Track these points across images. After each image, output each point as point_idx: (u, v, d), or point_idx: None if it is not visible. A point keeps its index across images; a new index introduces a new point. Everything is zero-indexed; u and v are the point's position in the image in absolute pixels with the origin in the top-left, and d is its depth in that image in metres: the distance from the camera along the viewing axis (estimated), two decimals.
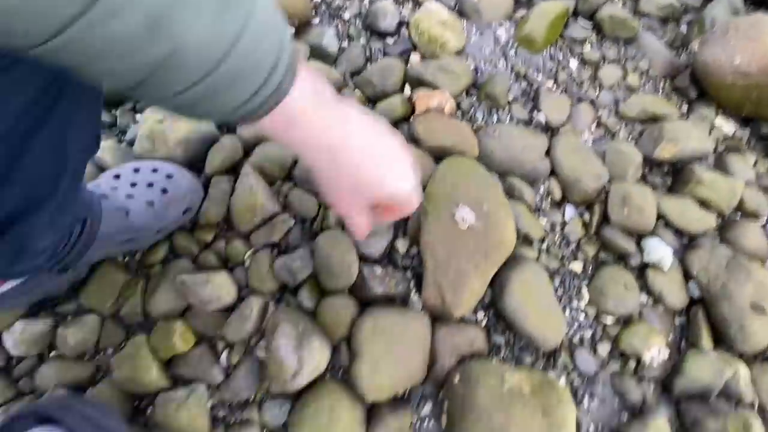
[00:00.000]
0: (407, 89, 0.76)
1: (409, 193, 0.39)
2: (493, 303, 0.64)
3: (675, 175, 0.75)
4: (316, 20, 0.83)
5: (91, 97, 0.36)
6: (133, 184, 0.59)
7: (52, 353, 0.59)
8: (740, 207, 0.73)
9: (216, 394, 0.57)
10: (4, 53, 0.26)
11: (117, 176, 0.60)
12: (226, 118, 0.29)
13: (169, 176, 0.61)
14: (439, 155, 0.68)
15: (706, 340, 0.63)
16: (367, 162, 0.35)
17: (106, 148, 0.65)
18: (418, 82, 0.75)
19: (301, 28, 0.80)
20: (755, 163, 0.78)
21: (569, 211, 0.72)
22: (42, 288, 0.53)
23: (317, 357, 0.55)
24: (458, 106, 0.76)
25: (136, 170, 0.61)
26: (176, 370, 0.57)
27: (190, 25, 0.21)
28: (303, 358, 0.54)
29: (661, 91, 0.84)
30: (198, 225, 0.64)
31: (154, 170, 0.61)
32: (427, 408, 0.59)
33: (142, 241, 0.60)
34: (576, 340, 0.64)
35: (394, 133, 0.38)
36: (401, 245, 0.65)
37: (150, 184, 0.59)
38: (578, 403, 0.60)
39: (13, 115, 0.30)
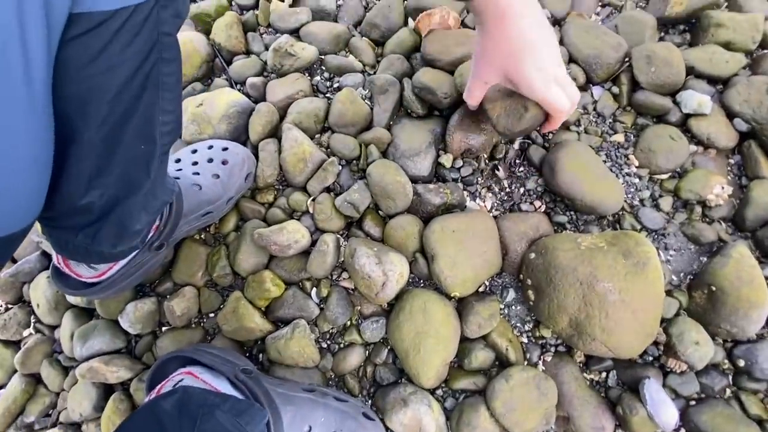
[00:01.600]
0: (411, 22, 0.79)
1: (544, 97, 0.48)
2: (547, 189, 0.66)
3: (693, 30, 0.75)
4: None
5: (174, 81, 0.39)
6: (195, 163, 0.64)
7: (164, 328, 0.65)
8: (765, 41, 0.72)
9: (315, 328, 0.62)
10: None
11: (178, 160, 0.65)
12: None
13: (224, 149, 0.65)
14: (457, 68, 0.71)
15: (765, 166, 0.63)
16: (525, 51, 0.44)
17: None
18: (419, 12, 0.78)
19: None
20: None
21: (596, 90, 0.73)
22: (145, 267, 0.59)
23: (399, 267, 0.58)
24: (463, 23, 0.78)
25: (194, 151, 0.66)
26: (276, 314, 0.62)
27: None
28: (387, 269, 0.57)
29: None
30: (257, 189, 0.69)
31: (210, 147, 0.66)
32: (510, 295, 0.62)
33: (216, 212, 0.64)
34: (636, 202, 0.65)
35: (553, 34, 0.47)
36: (446, 160, 0.68)
37: (210, 160, 0.64)
38: None
39: (108, 100, 0.33)
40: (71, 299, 0.66)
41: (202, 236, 0.69)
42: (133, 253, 0.55)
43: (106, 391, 0.62)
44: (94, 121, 0.34)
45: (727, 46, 0.71)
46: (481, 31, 0.49)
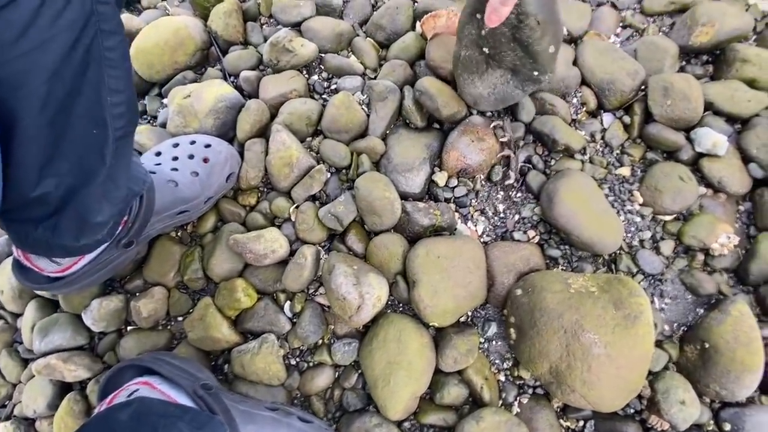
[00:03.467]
0: (418, 27, 0.75)
1: None
2: (542, 219, 0.62)
3: (716, 63, 0.70)
4: None
5: (118, 56, 0.37)
6: (175, 158, 0.61)
7: (129, 328, 0.62)
8: None
9: (285, 344, 0.59)
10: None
11: (158, 153, 0.62)
12: None
13: (207, 146, 0.62)
14: None
15: None
16: None
17: (142, 132, 0.67)
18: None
19: None
20: None
21: (607, 117, 0.69)
22: (112, 264, 0.56)
23: (377, 290, 0.55)
24: None
25: (175, 145, 0.63)
26: (245, 325, 0.59)
27: None
28: (363, 292, 0.54)
29: None
30: (240, 190, 0.66)
31: (192, 142, 0.63)
32: (492, 329, 0.59)
33: (193, 211, 0.61)
34: (635, 242, 0.62)
35: None
36: (440, 178, 0.65)
37: (191, 156, 0.61)
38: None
39: (45, 79, 0.31)
40: (35, 290, 0.64)
41: (178, 234, 0.66)
42: (101, 249, 0.53)
43: (63, 389, 0.60)
44: (34, 103, 0.31)
45: (752, 83, 0.66)
46: None
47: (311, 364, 0.59)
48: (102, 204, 0.43)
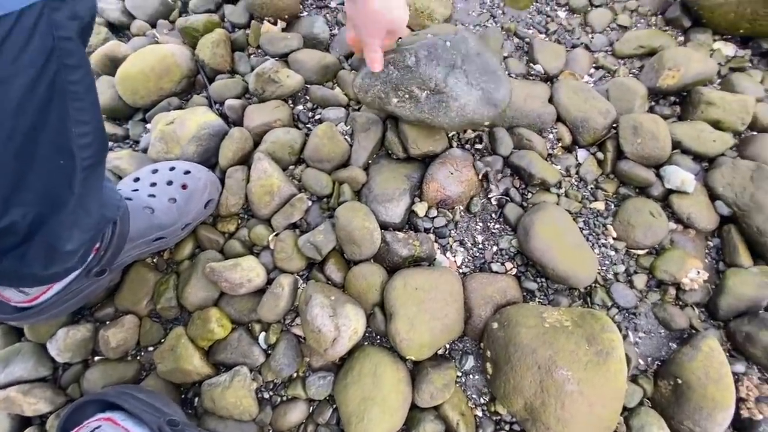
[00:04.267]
0: None
1: (404, 18, 0.55)
2: (519, 251, 0.63)
3: (683, 104, 0.74)
4: (305, 13, 0.85)
5: (83, 90, 0.37)
6: (153, 184, 0.61)
7: (96, 358, 0.60)
8: (754, 123, 0.71)
9: (259, 377, 0.58)
10: None
11: (136, 179, 0.62)
12: None
13: (186, 172, 0.62)
14: None
15: (744, 255, 0.61)
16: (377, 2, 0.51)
17: (123, 157, 0.67)
18: None
19: (292, 21, 0.83)
20: (762, 80, 0.76)
21: (581, 153, 0.71)
22: (83, 293, 0.54)
23: (354, 322, 0.55)
24: None
25: (154, 171, 0.62)
26: (217, 357, 0.58)
27: None
28: (340, 324, 0.54)
29: (654, 26, 0.84)
30: (219, 217, 0.66)
31: (171, 168, 0.63)
32: (469, 362, 0.58)
33: (170, 238, 0.61)
34: (610, 276, 0.63)
35: None
36: (420, 209, 0.65)
37: (169, 182, 0.61)
38: (623, 338, 0.58)
39: (10, 114, 0.31)
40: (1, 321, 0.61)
41: (154, 261, 0.65)
42: (71, 277, 0.51)
43: (22, 423, 0.57)
44: None
45: (716, 124, 0.70)
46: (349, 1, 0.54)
47: (284, 398, 0.57)
48: (72, 232, 0.42)
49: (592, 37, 0.82)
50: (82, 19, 0.34)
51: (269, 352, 0.59)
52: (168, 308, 0.60)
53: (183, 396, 0.59)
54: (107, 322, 0.61)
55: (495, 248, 0.65)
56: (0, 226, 0.35)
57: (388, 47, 0.60)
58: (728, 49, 0.79)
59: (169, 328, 0.61)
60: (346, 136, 0.70)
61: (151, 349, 0.61)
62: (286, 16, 0.82)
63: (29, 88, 0.31)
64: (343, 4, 0.86)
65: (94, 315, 0.62)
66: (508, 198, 0.67)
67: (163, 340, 0.60)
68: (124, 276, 0.63)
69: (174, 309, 0.60)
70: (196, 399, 0.58)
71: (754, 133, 0.71)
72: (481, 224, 0.66)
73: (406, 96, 0.60)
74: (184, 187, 0.61)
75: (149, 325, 0.61)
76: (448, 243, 0.65)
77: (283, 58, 0.78)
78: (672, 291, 0.61)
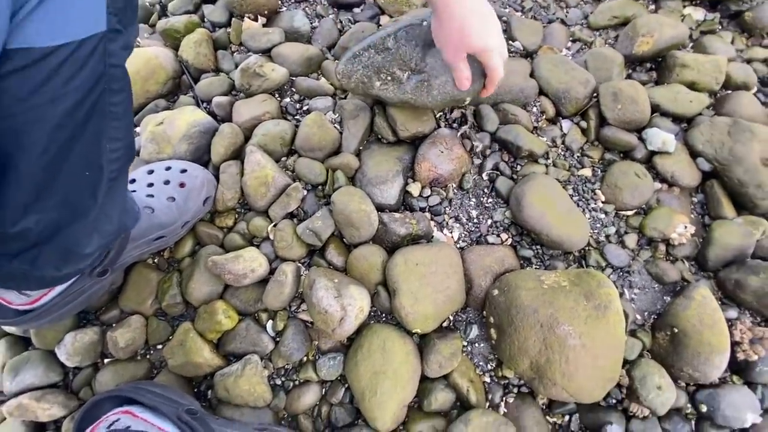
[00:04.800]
0: None
1: (495, 50, 0.52)
2: (513, 222, 0.65)
3: (659, 69, 0.76)
4: (284, 8, 0.85)
5: (122, 110, 0.38)
6: (150, 184, 0.61)
7: (106, 360, 0.60)
8: (728, 82, 0.74)
9: (269, 364, 0.59)
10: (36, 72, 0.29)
11: (133, 180, 0.62)
12: None
13: (182, 171, 0.63)
14: None
15: (727, 207, 0.63)
16: (474, 16, 0.50)
17: None
18: None
19: (272, 16, 0.83)
20: (732, 41, 0.79)
21: (565, 123, 0.73)
22: (85, 294, 0.55)
23: (359, 301, 0.56)
24: None
25: (150, 171, 0.63)
26: (227, 348, 0.59)
27: None
28: (345, 304, 0.55)
29: None
30: (217, 212, 0.66)
31: (167, 168, 0.63)
32: (474, 332, 0.60)
33: (170, 237, 0.61)
34: (602, 238, 0.65)
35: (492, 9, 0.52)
36: (414, 189, 0.67)
37: (167, 182, 0.61)
38: (620, 296, 0.60)
39: (49, 131, 0.32)
40: (2, 326, 0.61)
41: (155, 260, 0.65)
42: (72, 279, 0.52)
43: (37, 429, 0.57)
44: (33, 151, 0.32)
45: (692, 86, 0.72)
46: (434, 18, 0.53)
47: (297, 382, 0.58)
48: (92, 237, 0.43)
49: (567, 12, 0.84)
50: (131, 49, 0.36)
51: (277, 339, 0.59)
52: (173, 305, 0.61)
53: (195, 389, 0.59)
54: (113, 324, 0.61)
55: (489, 221, 0.66)
56: (13, 231, 0.36)
57: (490, 87, 0.58)
58: (698, 13, 0.82)
59: (175, 324, 0.62)
60: (336, 124, 0.71)
61: (159, 347, 0.61)
62: (266, 12, 0.82)
63: (73, 108, 0.33)
64: None
65: (99, 318, 0.62)
66: (498, 172, 0.69)
67: (171, 337, 0.61)
68: (126, 278, 0.63)
69: (179, 305, 0.61)
70: (209, 391, 0.59)
71: (728, 91, 0.74)
72: (474, 200, 0.68)
73: (389, 78, 0.61)
74: (182, 185, 0.61)
75: (156, 323, 0.61)
76: (444, 220, 0.66)
77: (266, 53, 0.79)
78: (662, 247, 0.64)
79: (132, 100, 0.40)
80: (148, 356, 0.61)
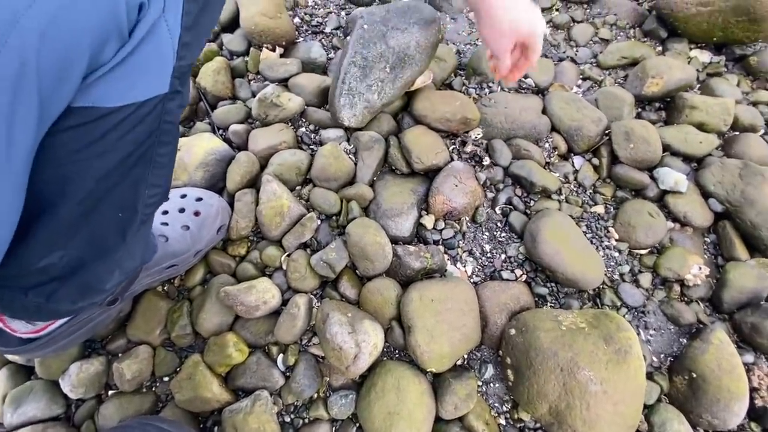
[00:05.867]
0: None
1: (539, 34, 0.56)
2: (528, 258, 0.65)
3: (668, 109, 0.78)
4: (300, 39, 0.87)
5: (167, 160, 0.39)
6: (165, 212, 0.61)
7: (110, 392, 0.59)
8: (735, 124, 0.75)
9: (279, 400, 0.57)
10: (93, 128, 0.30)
11: None
12: None
13: (198, 199, 0.63)
14: (444, 129, 0.71)
15: (740, 249, 0.64)
16: (518, 3, 0.54)
17: None
18: None
19: (289, 47, 0.85)
20: (738, 83, 0.81)
21: (577, 160, 0.74)
22: (92, 323, 0.54)
23: (373, 337, 0.55)
24: (450, 86, 0.80)
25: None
26: (236, 382, 0.57)
27: None
28: (360, 340, 0.54)
29: (633, 38, 0.89)
30: (230, 241, 0.66)
31: (183, 196, 0.63)
32: (489, 371, 0.59)
33: (181, 265, 0.61)
34: (616, 276, 0.65)
35: None
36: (428, 221, 0.67)
37: (182, 210, 0.61)
38: None
39: (95, 180, 0.32)
40: (6, 354, 0.60)
41: (165, 288, 0.64)
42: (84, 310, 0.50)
43: None
44: (75, 197, 0.33)
45: (701, 126, 0.74)
46: (479, 15, 0.57)
47: (307, 420, 0.57)
48: (114, 273, 0.43)
49: (577, 51, 0.87)
50: (185, 106, 0.37)
51: (288, 374, 0.58)
52: (182, 336, 0.60)
53: (201, 426, 0.57)
54: (120, 354, 0.60)
55: (503, 256, 0.66)
56: (35, 267, 0.35)
57: (524, 66, 0.60)
58: (704, 56, 0.85)
59: (183, 356, 0.61)
60: (350, 155, 0.71)
61: (166, 379, 0.60)
62: (284, 43, 0.84)
63: (122, 160, 0.33)
64: (337, 29, 0.90)
65: (106, 347, 0.61)
66: (511, 206, 0.69)
67: (178, 369, 0.59)
68: (135, 306, 0.62)
69: (189, 336, 0.60)
70: (216, 428, 0.57)
71: (737, 132, 0.76)
72: (487, 234, 0.68)
73: (379, 81, 0.67)
74: (196, 214, 0.61)
75: (163, 354, 0.60)
76: (458, 254, 0.66)
77: (283, 82, 0.80)
78: (677, 288, 0.64)
79: (177, 148, 0.40)
80: (153, 388, 0.59)
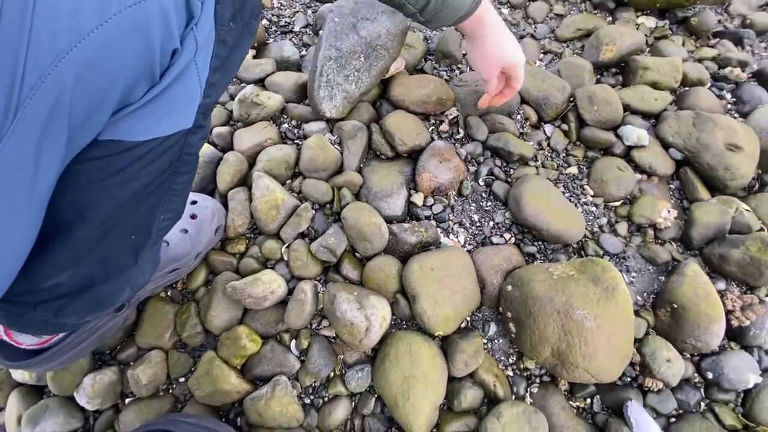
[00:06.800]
0: None
1: (521, 65, 0.63)
2: (514, 222, 0.69)
3: (623, 72, 0.84)
4: (271, 39, 0.89)
5: (183, 188, 0.39)
6: None
7: (127, 400, 0.59)
8: (685, 80, 0.82)
9: (297, 384, 0.59)
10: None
11: None
12: (458, 21, 0.55)
13: (193, 202, 0.63)
14: (421, 112, 0.75)
15: (702, 190, 0.70)
16: (505, 39, 0.61)
17: None
18: None
19: (261, 48, 0.87)
20: (683, 43, 0.88)
21: (548, 128, 0.79)
22: (99, 332, 0.54)
23: (381, 310, 0.58)
24: (422, 71, 0.83)
25: None
26: (253, 372, 0.59)
27: None
28: (369, 314, 0.57)
29: (585, 11, 0.95)
30: (227, 239, 0.67)
31: None
32: (492, 329, 0.62)
33: (183, 269, 0.61)
34: (596, 228, 0.70)
35: None
36: (417, 199, 0.70)
37: None
38: None
39: (113, 207, 0.33)
40: (17, 375, 0.59)
41: (169, 293, 0.65)
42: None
43: None
44: (93, 222, 0.33)
45: (654, 85, 0.80)
46: (471, 45, 0.63)
47: (326, 398, 0.59)
48: (125, 290, 0.43)
49: (536, 27, 0.92)
50: (206, 138, 0.38)
51: (302, 358, 0.60)
52: (193, 335, 0.60)
53: (224, 419, 0.59)
54: (131, 362, 0.60)
55: (491, 223, 0.70)
56: (45, 285, 0.36)
57: (510, 93, 0.67)
58: (650, 21, 0.92)
59: (196, 355, 0.61)
60: (335, 145, 0.74)
61: (182, 380, 0.60)
62: (255, 44, 0.86)
63: (141, 188, 0.34)
64: (306, 27, 0.92)
65: (116, 357, 0.61)
66: (493, 176, 0.73)
67: (193, 369, 0.60)
68: (140, 314, 0.62)
69: (200, 335, 0.61)
70: (239, 418, 0.58)
71: (687, 88, 0.82)
72: (474, 204, 0.72)
73: (354, 71, 0.70)
74: (193, 217, 0.62)
75: (176, 356, 0.61)
76: (449, 226, 0.70)
77: (260, 82, 0.82)
78: (650, 232, 0.69)
79: (194, 177, 0.41)
80: (171, 390, 0.60)
